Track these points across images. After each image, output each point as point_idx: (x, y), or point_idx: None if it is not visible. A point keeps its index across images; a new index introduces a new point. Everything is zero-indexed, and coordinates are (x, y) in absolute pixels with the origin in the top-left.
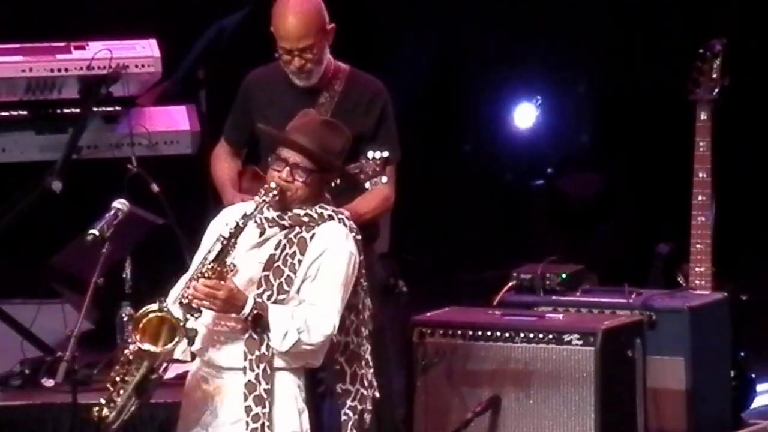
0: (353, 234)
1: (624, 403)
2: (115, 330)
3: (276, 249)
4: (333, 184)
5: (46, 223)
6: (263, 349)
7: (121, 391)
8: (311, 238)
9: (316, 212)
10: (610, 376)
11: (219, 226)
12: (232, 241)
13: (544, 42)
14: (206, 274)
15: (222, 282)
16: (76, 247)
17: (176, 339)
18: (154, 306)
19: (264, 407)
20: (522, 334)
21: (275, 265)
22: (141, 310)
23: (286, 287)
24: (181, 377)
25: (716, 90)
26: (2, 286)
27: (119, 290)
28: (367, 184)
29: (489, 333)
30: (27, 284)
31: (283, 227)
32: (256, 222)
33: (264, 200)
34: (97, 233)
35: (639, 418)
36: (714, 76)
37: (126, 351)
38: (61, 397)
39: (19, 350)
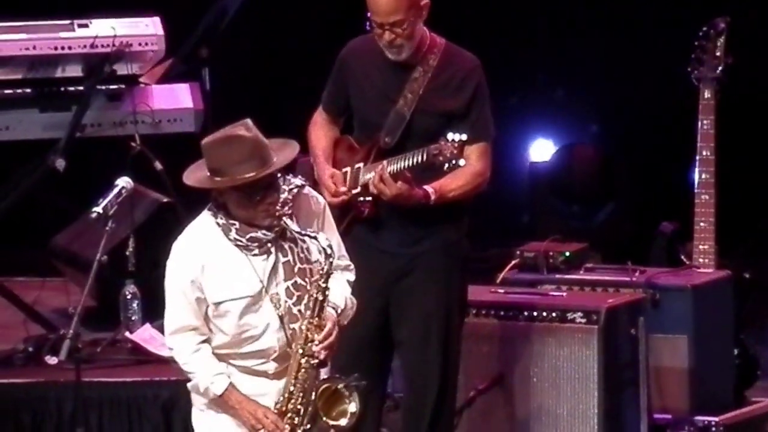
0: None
1: (627, 381)
2: (118, 308)
3: (287, 256)
4: (413, 164)
5: (49, 200)
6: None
7: None
8: (299, 219)
9: (286, 202)
10: (613, 354)
11: (186, 269)
12: (327, 293)
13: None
14: (318, 330)
15: (332, 326)
16: (79, 225)
17: (349, 416)
18: (336, 385)
19: None
20: (525, 312)
21: (296, 268)
22: (327, 386)
23: (314, 278)
24: None
25: (720, 68)
26: (6, 264)
27: (122, 268)
28: (445, 167)
29: (492, 311)
30: (30, 262)
31: (277, 239)
32: (257, 251)
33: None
34: (100, 211)
35: (642, 396)
36: (718, 54)
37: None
38: (65, 374)
39: (22, 328)
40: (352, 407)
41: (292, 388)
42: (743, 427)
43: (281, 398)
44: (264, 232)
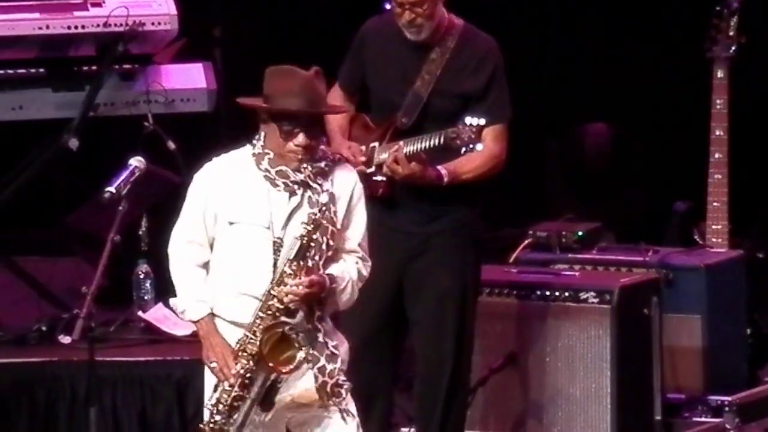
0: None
1: (640, 360)
2: (131, 287)
3: (313, 207)
4: (429, 147)
5: (62, 180)
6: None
7: (241, 407)
8: (333, 185)
9: (325, 161)
10: (626, 333)
11: (208, 182)
12: (313, 237)
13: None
14: (296, 275)
15: (311, 277)
16: (92, 204)
17: (296, 362)
18: (282, 329)
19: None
20: (538, 292)
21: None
22: (270, 328)
23: (332, 242)
24: (196, 335)
25: (733, 48)
26: (19, 243)
27: (135, 247)
28: (462, 150)
29: (505, 290)
30: (44, 241)
31: (308, 185)
32: (282, 188)
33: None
34: (114, 191)
35: (655, 375)
36: (731, 33)
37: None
38: (78, 354)
39: (36, 307)
40: (300, 354)
41: (255, 329)
42: (756, 407)
43: (243, 337)
44: (294, 171)
